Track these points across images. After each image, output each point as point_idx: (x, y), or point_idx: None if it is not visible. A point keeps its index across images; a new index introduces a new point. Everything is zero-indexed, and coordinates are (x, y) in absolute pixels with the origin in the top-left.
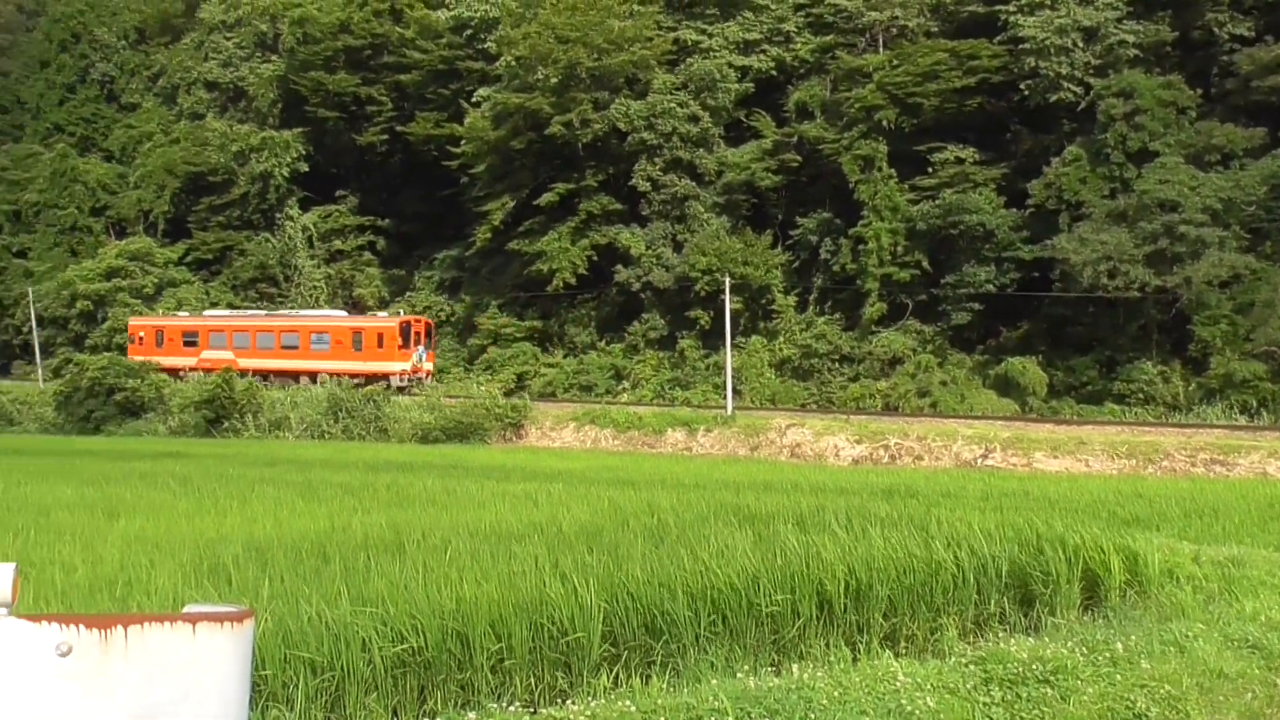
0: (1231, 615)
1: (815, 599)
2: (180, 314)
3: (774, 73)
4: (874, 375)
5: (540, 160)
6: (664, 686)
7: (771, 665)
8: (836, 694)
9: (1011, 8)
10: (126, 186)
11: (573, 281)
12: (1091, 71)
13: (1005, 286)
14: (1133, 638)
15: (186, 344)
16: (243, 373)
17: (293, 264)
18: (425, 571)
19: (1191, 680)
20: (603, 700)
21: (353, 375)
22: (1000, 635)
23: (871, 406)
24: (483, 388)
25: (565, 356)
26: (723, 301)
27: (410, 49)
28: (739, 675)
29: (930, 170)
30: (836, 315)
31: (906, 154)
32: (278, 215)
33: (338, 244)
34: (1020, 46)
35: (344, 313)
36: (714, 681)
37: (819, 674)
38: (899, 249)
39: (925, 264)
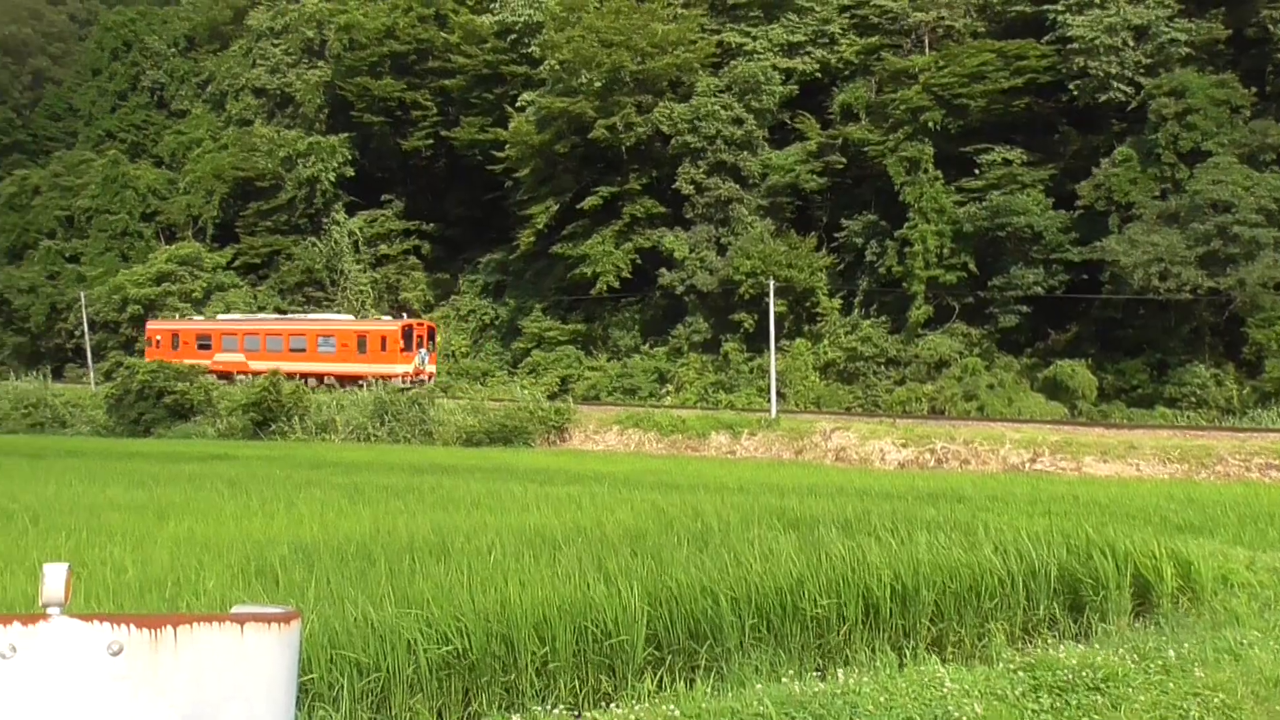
0: None
1: (860, 603)
2: (196, 318)
3: (818, 75)
4: (920, 378)
5: (584, 164)
6: (708, 690)
7: (816, 670)
8: (882, 700)
9: (1060, 7)
10: (176, 192)
11: (616, 285)
12: (1142, 71)
13: (1054, 289)
14: (1185, 645)
15: (200, 347)
16: (251, 375)
17: (339, 268)
18: (470, 574)
19: (1246, 688)
20: (647, 704)
21: (357, 377)
22: (1049, 641)
23: (917, 410)
24: (526, 391)
25: (609, 360)
26: (767, 304)
27: (455, 54)
28: (783, 680)
29: (977, 172)
30: (882, 318)
31: (953, 156)
32: (324, 220)
33: (383, 248)
34: (1069, 46)
35: (350, 316)
36: (758, 686)
37: (864, 679)
38: (945, 251)
39: (972, 266)
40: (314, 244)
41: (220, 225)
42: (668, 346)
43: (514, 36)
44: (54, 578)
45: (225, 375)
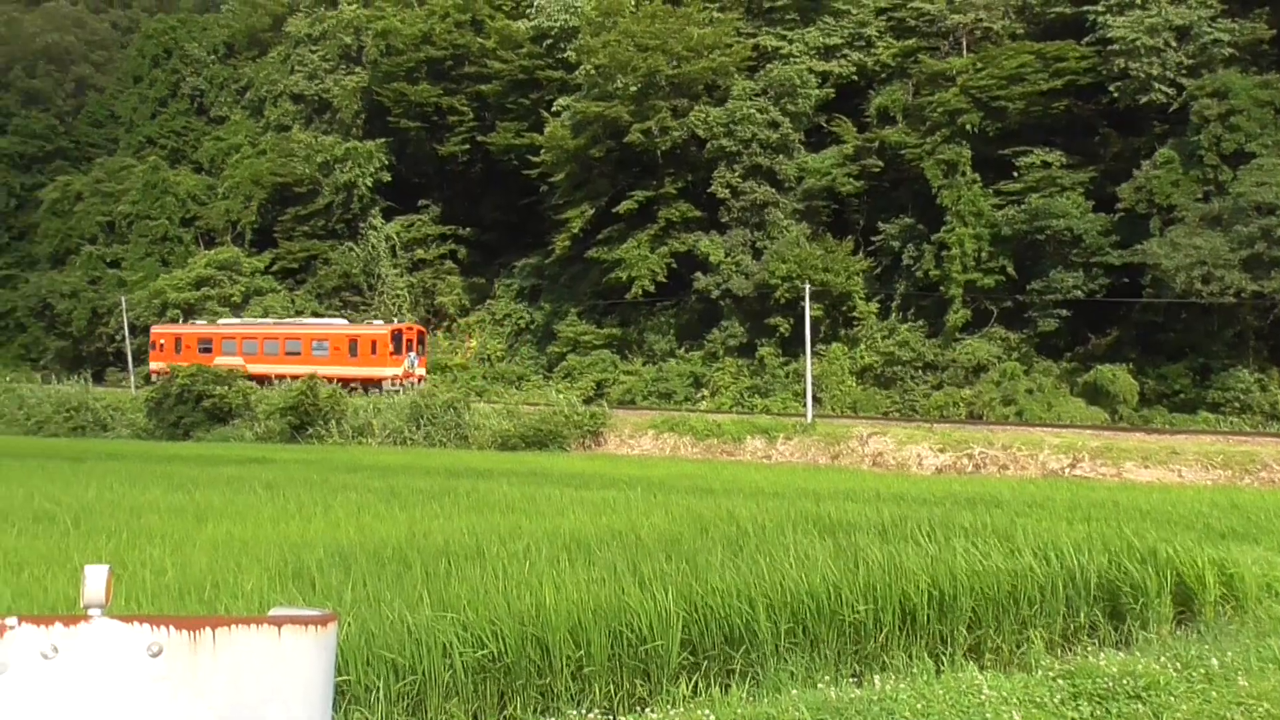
0: None
1: (897, 609)
2: (198, 322)
3: (855, 78)
4: (958, 383)
5: (619, 168)
6: (743, 696)
7: (853, 676)
8: (919, 706)
9: (1100, 8)
10: (215, 197)
11: (651, 289)
12: (1184, 72)
13: (1094, 292)
14: (1229, 654)
15: (202, 350)
16: (249, 377)
17: (376, 273)
18: (505, 577)
19: None
20: (682, 709)
21: (349, 380)
22: (1089, 649)
23: (955, 415)
24: (561, 395)
25: (644, 364)
26: (802, 309)
27: (491, 59)
28: (819, 685)
29: (1015, 174)
30: (919, 322)
31: (991, 158)
32: (361, 225)
33: (420, 253)
34: (1109, 47)
35: (344, 321)
36: (794, 691)
37: (901, 685)
38: (983, 255)
39: (1010, 270)
40: (351, 249)
41: (258, 230)
42: (703, 351)
43: (549, 41)
44: (95, 579)
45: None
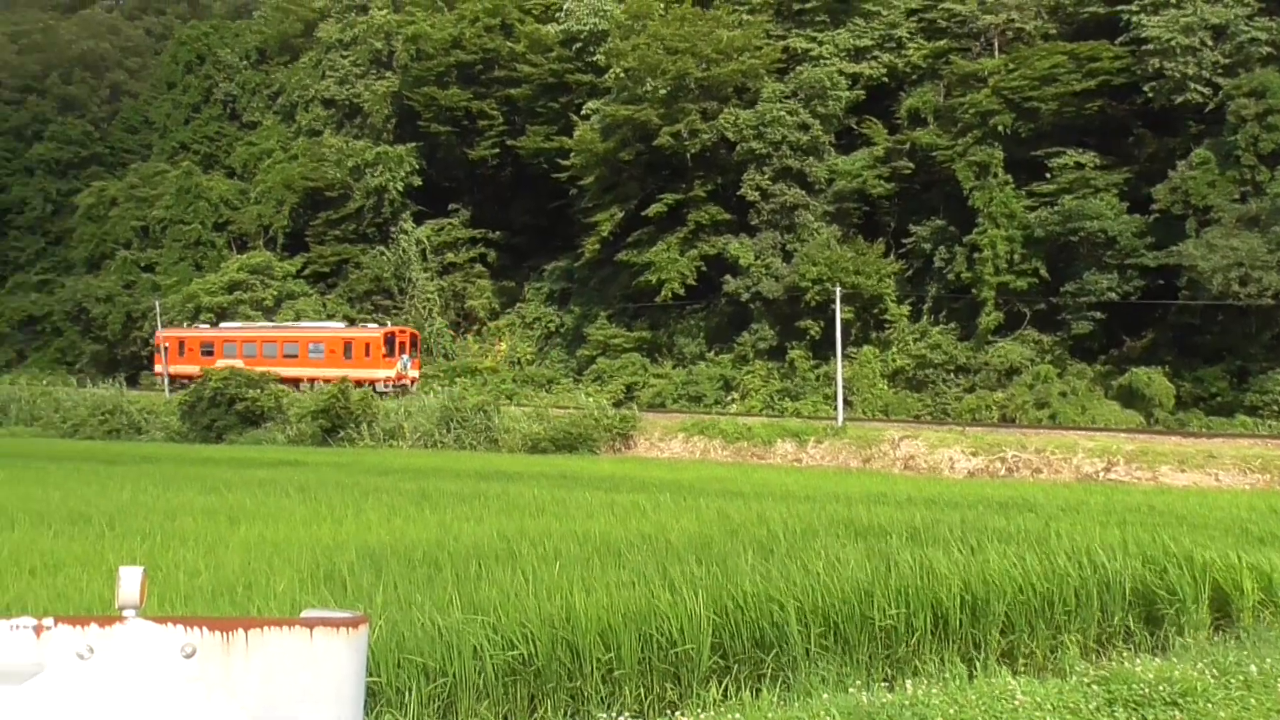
0: None
1: (929, 614)
2: (201, 326)
3: (885, 79)
4: (990, 386)
5: (648, 171)
6: (774, 700)
7: (884, 680)
8: (952, 712)
9: (1134, 7)
10: (247, 202)
11: (681, 292)
12: (1220, 71)
13: (1128, 294)
14: (1268, 660)
15: (204, 353)
16: None
17: (407, 276)
18: (535, 580)
19: None
20: (712, 712)
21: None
22: (1124, 654)
23: (987, 418)
24: (591, 398)
25: (674, 367)
26: (833, 311)
27: (520, 63)
28: (851, 690)
29: (1048, 176)
30: (951, 325)
31: (1023, 160)
32: (392, 229)
33: (450, 256)
34: (1144, 47)
35: (341, 324)
36: (825, 696)
37: (934, 691)
38: (1016, 257)
39: (1043, 272)
40: (382, 253)
41: (290, 234)
42: (733, 354)
43: (579, 45)
44: (129, 581)
45: None
